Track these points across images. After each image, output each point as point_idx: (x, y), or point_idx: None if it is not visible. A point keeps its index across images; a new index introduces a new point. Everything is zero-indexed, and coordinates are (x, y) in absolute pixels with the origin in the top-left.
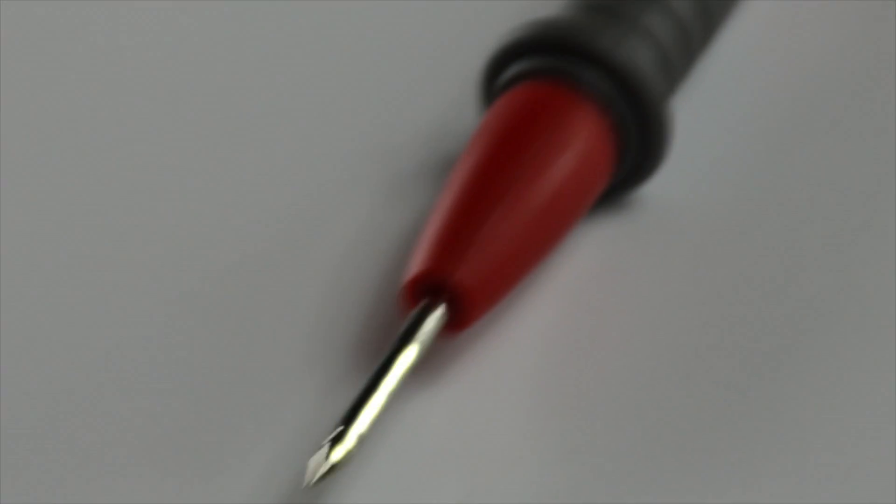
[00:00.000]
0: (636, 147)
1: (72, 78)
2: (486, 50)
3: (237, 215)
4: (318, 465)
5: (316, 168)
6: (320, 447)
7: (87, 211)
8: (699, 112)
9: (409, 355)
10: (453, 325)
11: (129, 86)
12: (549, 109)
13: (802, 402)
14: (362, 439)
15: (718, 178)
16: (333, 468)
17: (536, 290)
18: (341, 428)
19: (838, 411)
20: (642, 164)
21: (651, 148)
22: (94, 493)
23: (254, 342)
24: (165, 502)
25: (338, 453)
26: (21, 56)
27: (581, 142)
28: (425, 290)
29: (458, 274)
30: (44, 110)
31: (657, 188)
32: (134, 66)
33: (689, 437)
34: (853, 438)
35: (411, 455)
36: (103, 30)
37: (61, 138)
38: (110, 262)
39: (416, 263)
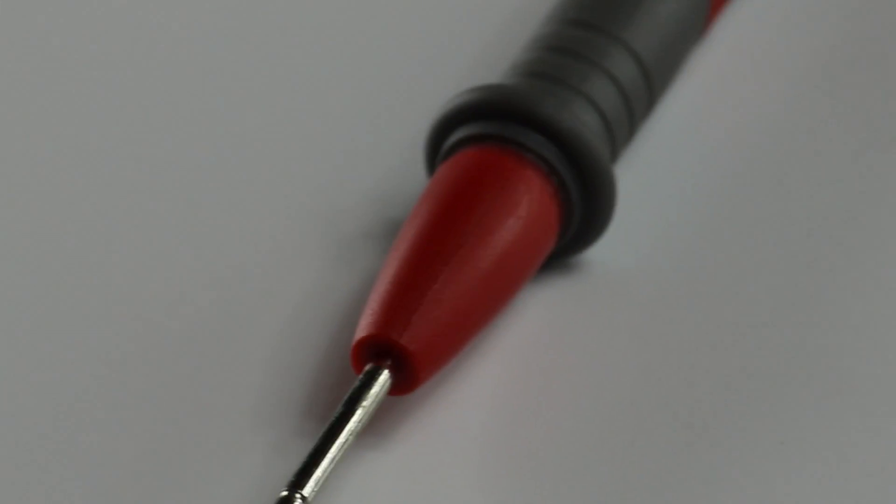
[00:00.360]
0: (581, 211)
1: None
2: (432, 114)
3: (183, 278)
4: None
5: (262, 231)
6: None
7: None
8: (643, 177)
9: (354, 420)
10: (400, 387)
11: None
12: (494, 174)
13: (751, 460)
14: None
15: (662, 243)
16: None
17: (484, 351)
18: (286, 493)
19: (785, 476)
20: (587, 228)
21: (595, 212)
22: None
23: (202, 405)
24: None
25: None
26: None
27: (526, 206)
28: (372, 353)
29: (404, 337)
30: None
31: (602, 252)
32: (73, 113)
33: (636, 495)
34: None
35: None
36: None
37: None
38: (58, 322)
39: (362, 327)
